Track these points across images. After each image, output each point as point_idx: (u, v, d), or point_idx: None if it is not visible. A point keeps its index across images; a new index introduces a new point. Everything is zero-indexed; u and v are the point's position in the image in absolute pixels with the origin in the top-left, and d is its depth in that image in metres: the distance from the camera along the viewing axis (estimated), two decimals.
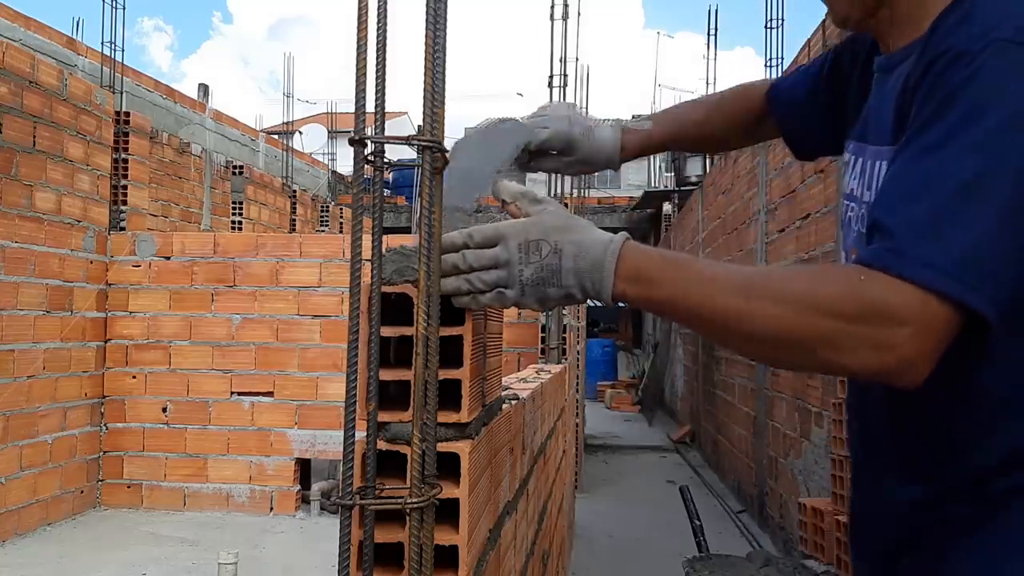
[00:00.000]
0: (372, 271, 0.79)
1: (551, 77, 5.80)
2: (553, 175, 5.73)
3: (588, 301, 0.92)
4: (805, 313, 0.77)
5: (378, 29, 0.79)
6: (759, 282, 0.82)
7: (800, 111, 1.22)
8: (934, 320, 0.75)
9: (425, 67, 0.79)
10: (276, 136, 12.68)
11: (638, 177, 21.35)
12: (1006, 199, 0.76)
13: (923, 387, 0.78)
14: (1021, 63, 0.78)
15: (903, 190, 0.80)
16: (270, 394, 5.56)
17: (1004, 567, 0.87)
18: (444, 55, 0.80)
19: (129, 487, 5.60)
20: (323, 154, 14.52)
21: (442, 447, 0.84)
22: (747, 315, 0.79)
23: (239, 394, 5.57)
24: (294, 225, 10.79)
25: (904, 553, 0.97)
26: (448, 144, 0.85)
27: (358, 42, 0.77)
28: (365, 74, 0.77)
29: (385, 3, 0.78)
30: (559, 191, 5.58)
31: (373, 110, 0.81)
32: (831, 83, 1.17)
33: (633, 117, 1.35)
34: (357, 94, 0.78)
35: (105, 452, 5.62)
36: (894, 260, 0.76)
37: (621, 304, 0.93)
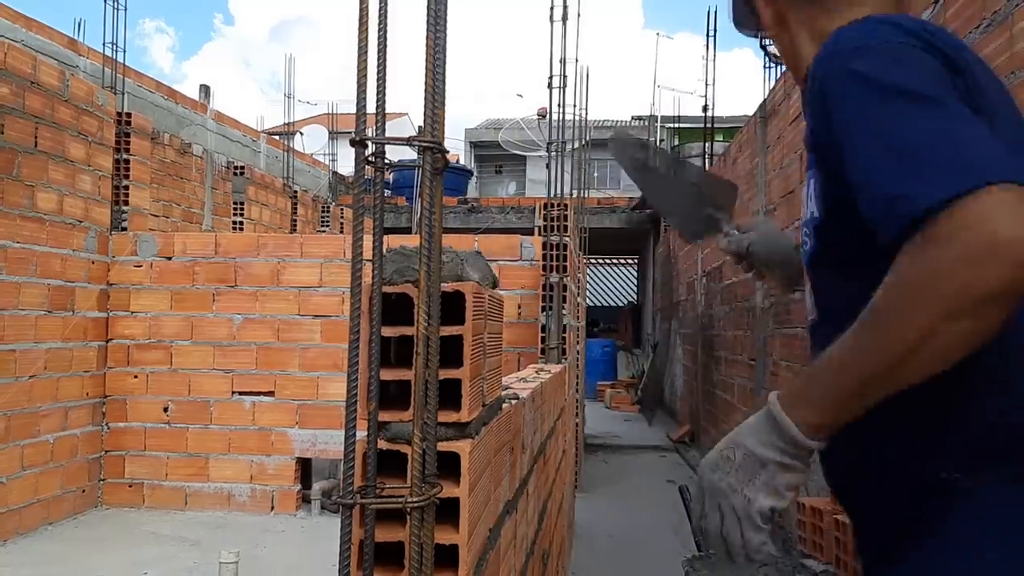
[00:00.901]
0: (373, 271, 0.80)
1: (551, 78, 5.80)
2: (552, 175, 5.74)
3: (798, 462, 0.90)
4: (920, 298, 0.78)
5: (379, 30, 0.79)
6: (868, 320, 0.84)
7: None
8: (972, 206, 0.77)
9: (425, 68, 0.80)
10: (277, 137, 12.68)
11: None
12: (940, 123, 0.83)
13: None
14: (867, 56, 0.91)
15: (868, 187, 0.86)
16: (271, 394, 5.56)
17: (974, 554, 0.88)
18: (444, 56, 0.80)
19: (130, 486, 5.60)
20: (324, 155, 14.52)
21: (442, 447, 0.84)
22: (889, 344, 0.81)
23: (240, 394, 5.58)
24: (295, 225, 10.79)
25: (888, 544, 0.98)
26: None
27: (359, 43, 0.78)
28: (366, 75, 0.78)
29: (386, 4, 0.79)
30: (559, 192, 5.58)
31: (374, 111, 0.81)
32: None
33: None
34: (358, 95, 0.78)
35: (106, 452, 5.62)
36: (898, 210, 0.81)
37: (824, 437, 0.89)
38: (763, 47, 1.30)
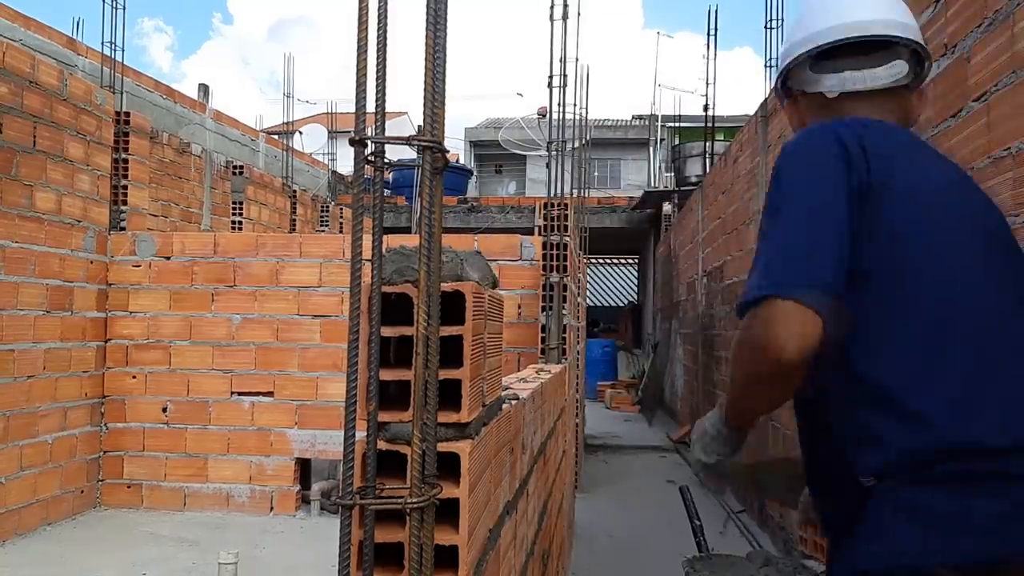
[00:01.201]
0: (372, 271, 0.79)
1: (551, 77, 5.79)
2: (552, 175, 5.74)
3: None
4: (735, 365, 1.27)
5: (378, 30, 0.79)
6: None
7: None
8: (763, 319, 1.15)
9: (425, 67, 0.79)
10: (276, 136, 12.68)
11: (638, 177, 21.34)
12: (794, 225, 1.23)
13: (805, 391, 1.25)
14: (784, 171, 1.28)
15: (749, 278, 1.24)
16: (270, 394, 5.56)
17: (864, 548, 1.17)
18: (444, 55, 0.80)
19: (129, 487, 5.60)
20: (323, 154, 14.52)
21: (442, 447, 0.84)
22: (733, 396, 1.38)
23: (239, 394, 5.57)
24: (294, 225, 10.79)
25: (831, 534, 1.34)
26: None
27: (358, 42, 0.78)
28: (365, 74, 0.77)
29: (385, 4, 0.79)
30: (559, 191, 5.58)
31: (373, 110, 0.81)
32: None
33: None
34: (357, 94, 0.78)
35: (105, 452, 5.62)
36: (752, 294, 1.18)
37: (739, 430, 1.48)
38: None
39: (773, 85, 1.63)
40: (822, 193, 1.19)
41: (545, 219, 5.30)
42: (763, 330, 1.12)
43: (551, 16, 5.57)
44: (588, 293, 14.74)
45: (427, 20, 0.80)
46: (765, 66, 7.21)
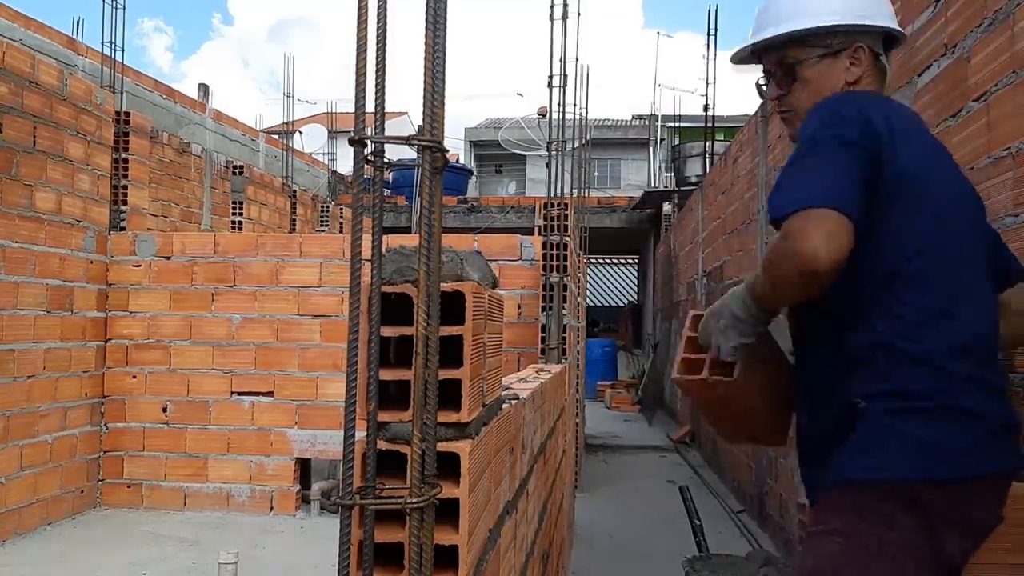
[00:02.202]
0: (372, 271, 0.79)
1: (551, 77, 5.79)
2: (552, 175, 5.74)
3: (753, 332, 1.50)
4: (762, 267, 1.41)
5: (378, 29, 0.79)
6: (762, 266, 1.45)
7: None
8: (803, 223, 1.28)
9: (425, 67, 0.79)
10: (276, 136, 12.68)
11: (638, 177, 21.34)
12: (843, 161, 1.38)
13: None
14: (822, 110, 1.47)
15: (773, 195, 1.40)
16: (270, 394, 5.56)
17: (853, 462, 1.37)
18: (444, 55, 0.80)
19: (129, 487, 5.60)
20: (323, 154, 14.51)
21: (442, 447, 0.84)
22: (762, 283, 1.43)
23: (239, 394, 5.57)
24: (294, 225, 10.79)
25: (809, 462, 1.53)
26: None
27: (358, 42, 0.78)
28: (365, 74, 0.77)
29: (385, 3, 0.79)
30: (559, 191, 5.58)
31: (373, 110, 0.81)
32: None
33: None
34: (357, 94, 0.78)
35: (105, 452, 5.62)
36: (784, 207, 1.33)
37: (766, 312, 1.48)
38: (758, 86, 1.78)
39: (768, 52, 1.66)
40: (848, 147, 1.36)
41: (545, 219, 5.30)
42: (799, 237, 1.27)
43: (551, 16, 5.57)
44: (588, 293, 14.74)
45: (427, 20, 0.80)
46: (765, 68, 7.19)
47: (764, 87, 1.70)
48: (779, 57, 1.62)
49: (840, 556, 1.34)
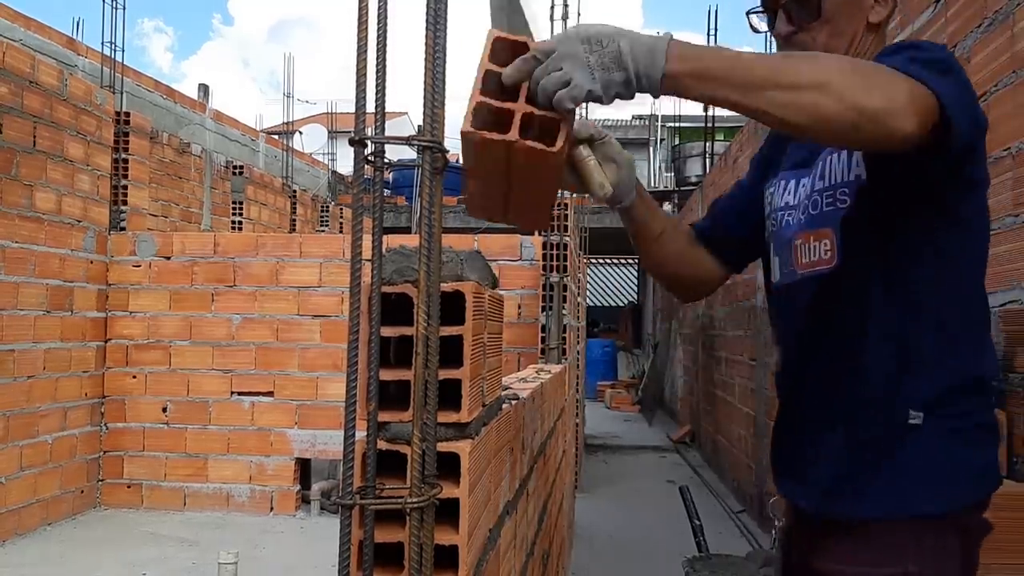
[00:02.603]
0: (372, 271, 0.79)
1: None
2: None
3: (637, 95, 1.03)
4: (837, 71, 0.99)
5: (378, 30, 0.79)
6: (800, 54, 1.16)
7: (740, 225, 1.50)
8: (927, 97, 0.99)
9: (425, 67, 0.79)
10: (276, 136, 12.67)
11: (639, 173, 21.31)
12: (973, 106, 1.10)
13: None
14: (929, 46, 1.15)
15: (892, 60, 1.06)
16: (270, 394, 5.56)
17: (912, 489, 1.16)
18: (444, 55, 0.80)
19: (129, 487, 5.60)
20: (323, 154, 14.51)
21: (442, 447, 0.84)
22: (788, 68, 1.00)
23: (239, 394, 5.57)
24: (294, 225, 10.79)
25: (839, 486, 1.22)
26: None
27: (358, 42, 0.78)
28: (365, 74, 0.77)
29: (385, 3, 0.79)
30: (559, 191, 5.57)
31: (373, 110, 0.81)
32: (760, 178, 1.48)
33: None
34: (357, 94, 0.78)
35: (105, 452, 5.62)
36: (910, 69, 1.01)
37: (669, 94, 1.03)
38: (750, 17, 1.40)
39: None
40: (972, 95, 1.14)
41: None
42: (893, 86, 0.99)
43: (551, 16, 5.57)
44: (588, 293, 14.73)
45: (427, 20, 0.80)
46: None
47: (759, 19, 1.38)
48: None
49: None
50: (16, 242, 4.84)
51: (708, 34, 10.92)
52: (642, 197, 1.38)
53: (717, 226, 1.52)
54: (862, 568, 1.17)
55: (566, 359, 5.04)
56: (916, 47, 1.13)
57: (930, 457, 1.16)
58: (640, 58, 0.98)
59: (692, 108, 14.31)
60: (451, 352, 0.87)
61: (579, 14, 6.53)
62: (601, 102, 1.02)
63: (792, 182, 1.35)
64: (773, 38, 1.33)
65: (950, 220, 1.18)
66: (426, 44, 0.80)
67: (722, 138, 12.01)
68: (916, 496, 1.16)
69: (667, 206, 12.82)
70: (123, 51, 6.86)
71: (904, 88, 0.98)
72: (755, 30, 1.40)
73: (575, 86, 0.98)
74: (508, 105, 1.01)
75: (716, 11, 14.33)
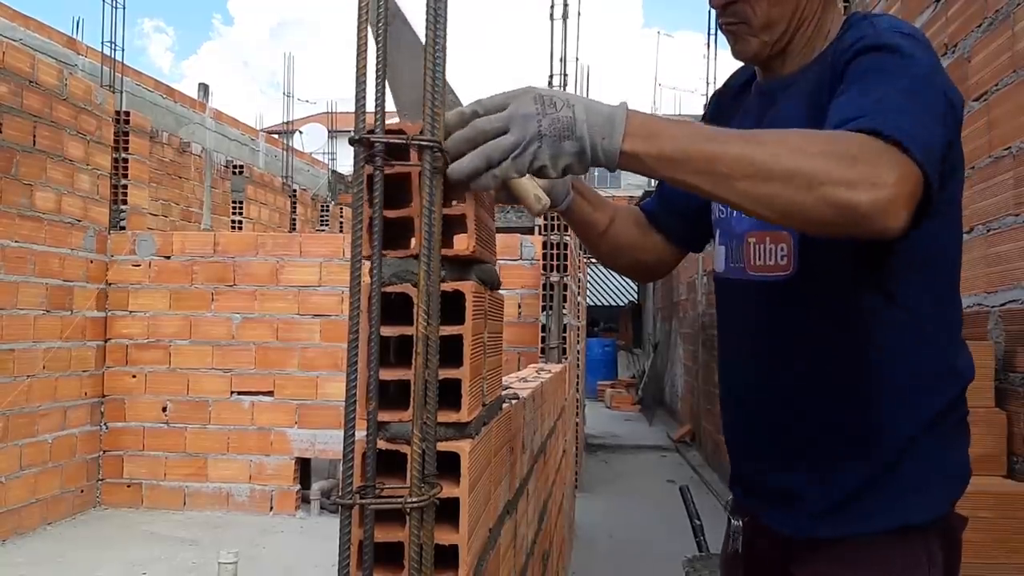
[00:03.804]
0: (372, 270, 0.79)
1: (551, 77, 5.80)
2: None
3: (589, 168, 0.92)
4: (816, 154, 0.88)
5: (378, 28, 0.79)
6: (769, 134, 0.96)
7: (684, 209, 1.40)
8: (911, 172, 0.89)
9: (425, 67, 0.79)
10: (276, 136, 12.67)
11: (639, 176, 21.32)
12: (942, 125, 0.99)
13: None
14: (919, 44, 1.06)
15: (862, 103, 0.97)
16: (270, 393, 5.56)
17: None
18: (444, 55, 0.80)
19: (129, 486, 5.60)
20: (323, 154, 14.51)
21: (442, 446, 0.84)
22: (761, 155, 0.88)
23: (239, 393, 5.57)
24: (294, 224, 10.79)
25: (822, 517, 1.16)
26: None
27: (358, 41, 0.77)
28: (365, 74, 0.77)
29: (385, 3, 0.78)
30: None
31: (373, 110, 0.81)
32: None
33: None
34: (357, 94, 0.78)
35: (105, 451, 5.62)
36: (880, 123, 0.91)
37: (623, 169, 0.93)
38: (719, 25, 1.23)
39: None
40: (950, 108, 1.04)
41: (545, 218, 5.30)
42: (877, 172, 0.87)
43: (551, 15, 5.57)
44: (588, 293, 14.73)
45: (427, 20, 0.80)
46: None
47: None
48: None
49: None
50: (16, 241, 4.84)
51: (708, 34, 10.92)
52: (582, 194, 1.32)
53: (664, 206, 1.42)
54: None
55: (566, 358, 5.04)
56: (880, 66, 1.02)
57: (920, 470, 1.13)
58: (596, 128, 0.88)
59: (692, 107, 14.30)
60: (451, 352, 0.87)
61: (579, 13, 6.53)
62: (546, 175, 0.90)
63: None
64: (711, 3, 1.21)
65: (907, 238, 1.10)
66: (426, 43, 0.80)
67: None
68: (907, 507, 1.13)
69: None
70: (123, 51, 6.86)
71: (889, 176, 0.87)
72: None
73: (525, 153, 0.86)
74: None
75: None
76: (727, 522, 1.38)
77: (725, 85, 1.42)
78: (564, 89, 5.78)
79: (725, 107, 1.37)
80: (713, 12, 1.22)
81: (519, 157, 0.86)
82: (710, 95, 1.43)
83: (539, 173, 0.90)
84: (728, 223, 1.27)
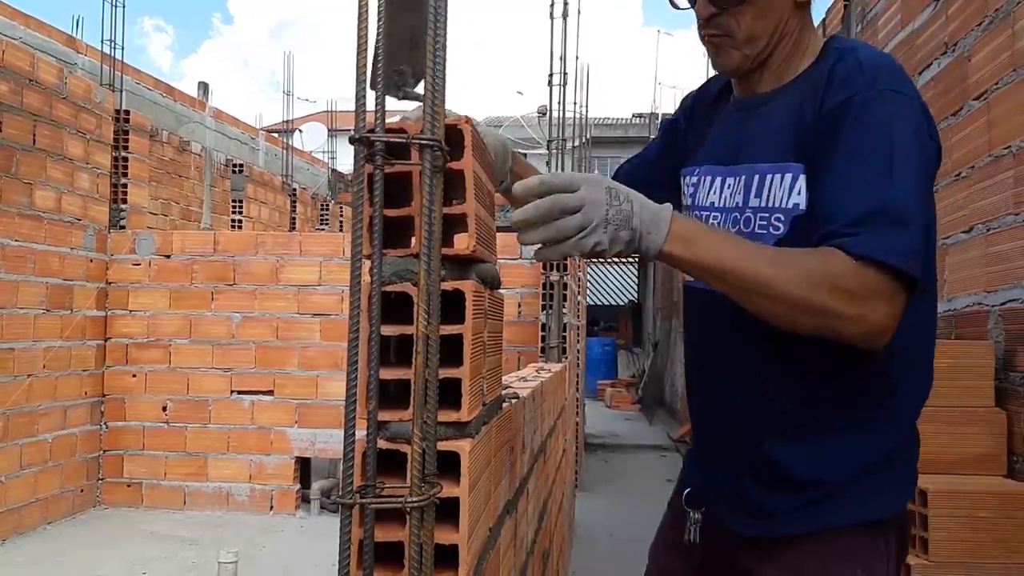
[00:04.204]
0: (372, 270, 0.79)
1: (551, 76, 5.79)
2: None
3: (625, 256, 1.03)
4: (819, 286, 0.99)
5: (378, 28, 0.79)
6: (786, 256, 1.05)
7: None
8: (899, 296, 1.01)
9: (425, 67, 0.79)
10: (276, 134, 12.66)
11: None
12: (925, 211, 1.06)
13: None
14: (905, 103, 1.10)
15: (858, 196, 1.04)
16: (270, 393, 5.56)
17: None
18: (444, 55, 0.80)
19: (129, 486, 5.60)
20: (323, 152, 14.51)
21: (442, 446, 0.84)
22: (776, 281, 1.00)
23: (239, 393, 5.57)
24: (294, 223, 10.78)
25: (781, 487, 1.22)
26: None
27: (358, 40, 0.77)
28: (365, 74, 0.77)
29: (385, 3, 0.78)
30: None
31: (373, 109, 0.80)
32: (669, 149, 1.45)
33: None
34: (357, 93, 0.78)
35: (105, 451, 5.62)
36: (874, 249, 0.99)
37: (658, 261, 1.04)
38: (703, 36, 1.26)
39: None
40: (929, 176, 1.10)
41: None
42: (871, 309, 1.00)
43: (551, 14, 5.57)
44: (588, 292, 14.73)
45: (427, 19, 0.80)
46: None
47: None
48: None
49: None
50: (16, 240, 4.84)
51: None
52: (519, 175, 1.30)
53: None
54: (835, 564, 1.20)
55: (566, 358, 5.04)
56: (870, 136, 1.07)
57: (882, 472, 1.21)
58: (646, 224, 0.99)
59: None
60: (451, 351, 0.87)
61: (579, 12, 6.52)
62: (600, 256, 1.00)
63: (717, 180, 1.30)
64: (695, 15, 1.24)
65: None
66: (426, 44, 0.79)
67: None
68: (874, 505, 1.20)
69: None
70: (123, 49, 6.85)
71: (881, 309, 1.00)
72: (675, 6, 1.30)
73: (590, 237, 0.96)
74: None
75: None
76: (668, 508, 1.53)
77: (703, 89, 1.45)
78: (564, 88, 5.80)
79: (701, 112, 1.41)
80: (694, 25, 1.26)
81: (584, 239, 0.96)
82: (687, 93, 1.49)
83: (592, 254, 0.99)
84: None
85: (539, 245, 0.97)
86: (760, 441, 1.24)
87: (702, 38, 1.26)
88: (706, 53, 1.28)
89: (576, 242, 0.95)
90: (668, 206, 1.01)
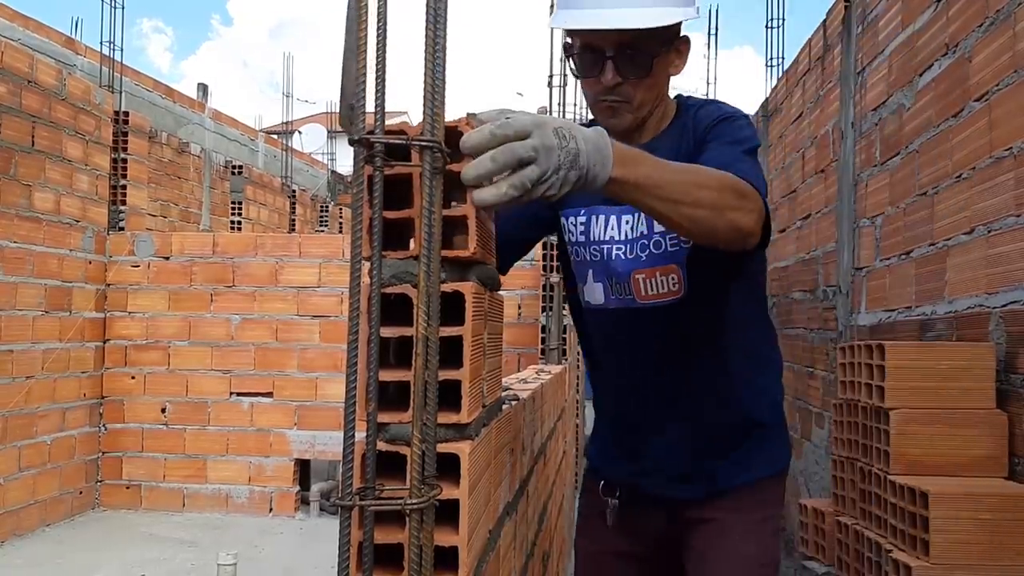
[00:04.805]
0: (371, 271, 0.79)
1: (551, 76, 5.79)
2: None
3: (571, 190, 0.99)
4: (725, 188, 1.19)
5: (378, 29, 0.79)
6: (697, 168, 1.24)
7: (522, 238, 1.69)
8: (762, 204, 1.26)
9: (425, 67, 0.79)
10: (275, 136, 12.67)
11: None
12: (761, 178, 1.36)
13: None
14: (743, 118, 1.48)
15: (731, 154, 1.34)
16: (269, 395, 5.55)
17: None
18: (444, 55, 0.79)
19: (128, 488, 5.59)
20: (322, 154, 14.51)
21: (442, 448, 0.83)
22: (696, 189, 1.14)
23: (238, 395, 5.57)
24: (293, 225, 10.78)
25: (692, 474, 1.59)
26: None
27: (358, 42, 0.77)
28: (365, 74, 0.77)
29: (385, 3, 0.78)
30: None
31: (373, 110, 0.80)
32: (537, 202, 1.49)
33: None
34: (356, 95, 0.77)
35: (104, 453, 5.61)
36: (746, 172, 1.26)
37: (605, 194, 1.07)
38: (571, 56, 1.49)
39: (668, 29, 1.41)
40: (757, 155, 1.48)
41: None
42: (754, 205, 1.24)
43: (551, 14, 5.55)
44: None
45: (427, 19, 0.79)
46: (766, 66, 7.21)
47: (578, 61, 1.43)
48: (632, 43, 1.36)
49: (774, 537, 1.63)
50: (14, 242, 4.84)
51: (709, 33, 10.92)
52: None
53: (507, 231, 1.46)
54: (756, 514, 1.57)
55: (566, 360, 5.04)
56: (733, 132, 1.42)
57: (781, 434, 1.66)
58: (593, 158, 0.96)
59: None
60: (451, 353, 0.87)
61: None
62: (547, 201, 0.94)
63: (612, 217, 1.51)
64: (598, 80, 1.41)
65: (752, 257, 1.48)
66: (426, 44, 0.79)
67: None
68: (777, 459, 1.65)
69: None
70: (122, 51, 6.85)
71: (756, 207, 1.23)
72: (576, 75, 1.46)
73: (544, 184, 0.91)
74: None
75: (716, 11, 14.33)
76: (584, 503, 1.77)
77: None
78: (564, 90, 5.80)
79: None
80: (592, 93, 1.46)
81: (538, 186, 0.91)
82: None
83: (543, 198, 0.93)
84: (608, 264, 1.53)
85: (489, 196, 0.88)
86: (695, 419, 1.57)
87: (598, 103, 1.45)
88: (596, 116, 1.50)
89: (530, 192, 0.90)
90: (602, 130, 1.00)
